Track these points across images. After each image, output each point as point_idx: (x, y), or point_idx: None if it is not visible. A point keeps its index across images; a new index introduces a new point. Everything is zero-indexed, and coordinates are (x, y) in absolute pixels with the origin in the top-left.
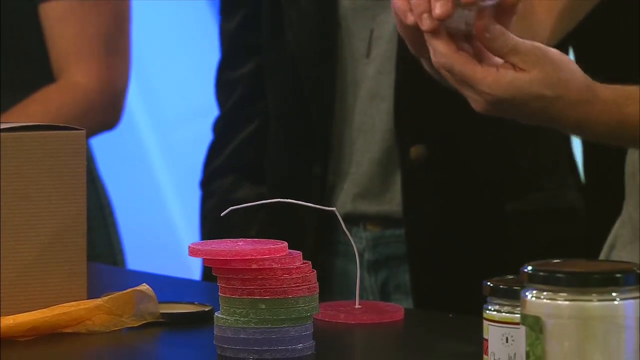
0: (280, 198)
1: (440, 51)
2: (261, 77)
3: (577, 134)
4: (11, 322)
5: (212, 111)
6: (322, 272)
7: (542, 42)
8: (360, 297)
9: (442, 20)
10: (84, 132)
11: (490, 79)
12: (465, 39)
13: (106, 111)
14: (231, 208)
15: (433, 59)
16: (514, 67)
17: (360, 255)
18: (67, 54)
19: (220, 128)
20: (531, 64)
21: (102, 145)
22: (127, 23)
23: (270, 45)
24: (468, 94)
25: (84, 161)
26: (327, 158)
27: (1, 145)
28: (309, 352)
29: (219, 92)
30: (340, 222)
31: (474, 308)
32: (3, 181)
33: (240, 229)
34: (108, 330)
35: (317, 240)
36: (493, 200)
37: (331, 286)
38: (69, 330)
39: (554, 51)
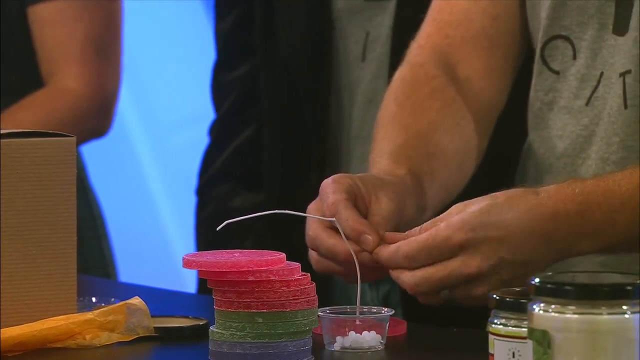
0: (278, 206)
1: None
2: (257, 79)
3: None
4: None
5: (206, 117)
6: (324, 285)
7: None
8: None
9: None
10: (74, 139)
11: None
12: None
13: (96, 117)
14: (227, 222)
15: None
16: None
17: None
18: (56, 57)
19: (216, 132)
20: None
21: (93, 152)
22: (119, 27)
23: (263, 48)
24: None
25: (74, 169)
26: (324, 166)
27: None
28: None
29: (214, 94)
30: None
31: (468, 323)
32: None
33: (237, 238)
34: (99, 345)
35: None
36: None
37: (332, 300)
38: (58, 345)
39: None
